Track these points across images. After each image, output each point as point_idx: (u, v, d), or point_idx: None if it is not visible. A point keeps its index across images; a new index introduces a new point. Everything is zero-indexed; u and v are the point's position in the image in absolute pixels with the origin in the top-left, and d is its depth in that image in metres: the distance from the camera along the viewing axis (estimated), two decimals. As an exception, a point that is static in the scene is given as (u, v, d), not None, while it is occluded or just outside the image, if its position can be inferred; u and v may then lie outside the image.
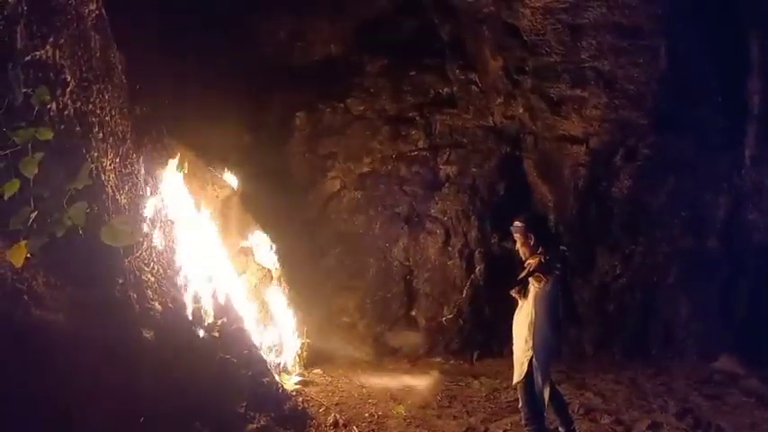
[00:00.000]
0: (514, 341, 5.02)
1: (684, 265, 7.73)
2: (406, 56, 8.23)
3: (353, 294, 8.03)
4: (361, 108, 8.19)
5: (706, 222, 7.71)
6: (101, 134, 4.69)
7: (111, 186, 4.72)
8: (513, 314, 5.09)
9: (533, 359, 4.82)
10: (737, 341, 7.49)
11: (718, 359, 7.45)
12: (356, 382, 6.90)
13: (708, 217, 7.71)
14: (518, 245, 4.95)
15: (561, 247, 5.17)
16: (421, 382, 6.97)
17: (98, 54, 4.79)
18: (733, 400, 6.52)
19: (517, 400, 5.05)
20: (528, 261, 4.88)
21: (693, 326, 7.72)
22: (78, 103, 4.48)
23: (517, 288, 4.92)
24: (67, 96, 4.38)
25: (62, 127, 4.29)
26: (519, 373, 4.90)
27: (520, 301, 4.99)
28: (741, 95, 7.49)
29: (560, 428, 5.37)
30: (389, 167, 8.15)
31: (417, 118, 8.18)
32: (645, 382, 7.02)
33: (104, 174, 4.67)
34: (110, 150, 4.77)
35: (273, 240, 7.47)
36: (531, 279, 4.72)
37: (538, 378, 4.82)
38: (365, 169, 8.17)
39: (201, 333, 5.35)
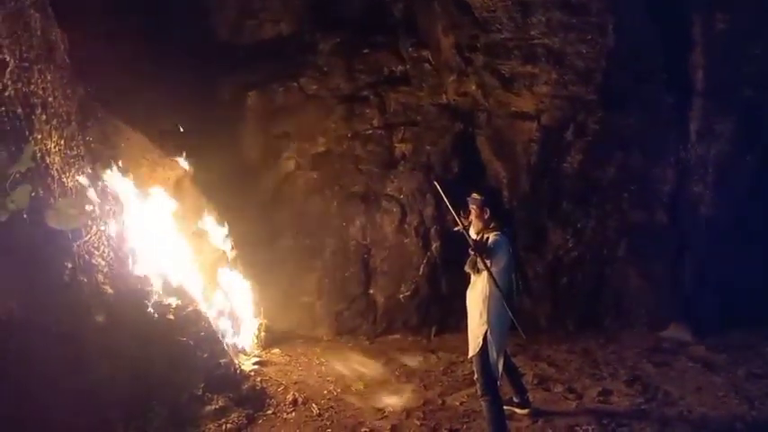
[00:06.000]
0: (469, 315, 5.13)
1: (634, 239, 7.90)
2: (358, 34, 8.17)
3: (311, 274, 8.01)
4: (315, 87, 8.11)
5: (654, 196, 7.88)
6: (44, 116, 4.58)
7: (56, 169, 4.62)
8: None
9: (488, 332, 4.92)
10: (685, 311, 7.72)
11: (666, 328, 7.70)
12: (315, 361, 6.93)
13: (656, 191, 7.86)
14: (471, 217, 5.03)
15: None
16: (380, 360, 7.05)
17: (39, 33, 4.66)
18: (680, 366, 6.76)
19: (473, 372, 5.15)
20: (482, 235, 4.95)
21: (643, 297, 7.92)
22: (19, 84, 4.37)
23: (471, 263, 5.01)
24: (7, 77, 4.26)
25: (2, 109, 4.18)
26: (474, 346, 5.00)
27: (473, 277, 5.09)
28: (686, 71, 7.64)
29: (514, 398, 5.53)
30: (344, 147, 8.10)
31: (371, 96, 8.13)
32: (597, 351, 7.22)
33: (49, 156, 4.57)
34: (54, 132, 4.67)
35: (229, 222, 7.40)
36: (482, 254, 4.78)
37: (492, 351, 4.94)
38: (320, 149, 8.11)
39: (156, 316, 5.30)
